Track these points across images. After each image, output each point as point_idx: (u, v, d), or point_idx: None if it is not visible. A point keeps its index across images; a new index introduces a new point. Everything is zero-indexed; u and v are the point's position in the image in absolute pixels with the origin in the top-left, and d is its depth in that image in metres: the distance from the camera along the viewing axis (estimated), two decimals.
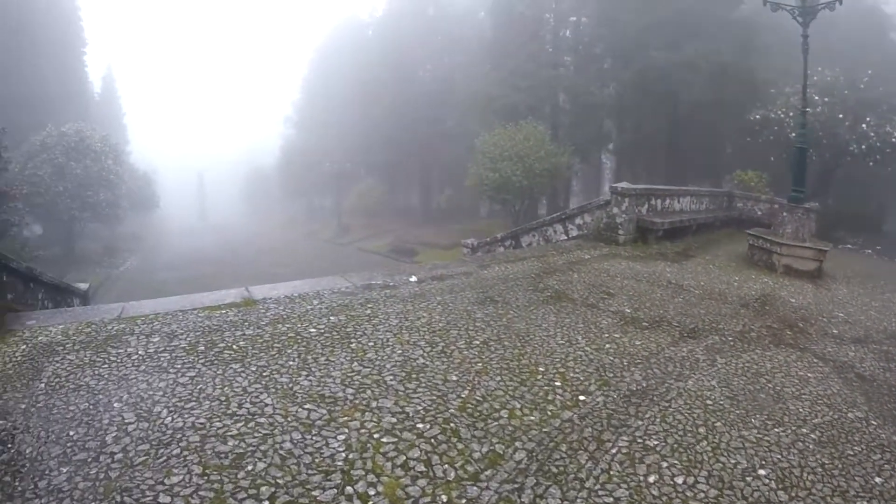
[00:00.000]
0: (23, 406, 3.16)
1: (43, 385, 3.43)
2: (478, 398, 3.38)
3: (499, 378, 3.68)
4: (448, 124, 34.84)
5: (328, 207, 48.64)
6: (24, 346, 4.04)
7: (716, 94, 20.84)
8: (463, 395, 3.40)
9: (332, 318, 4.71)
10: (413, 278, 6.07)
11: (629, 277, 6.83)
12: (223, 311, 4.81)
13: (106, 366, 3.72)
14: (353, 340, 4.25)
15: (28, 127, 25.14)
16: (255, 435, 2.85)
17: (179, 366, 3.73)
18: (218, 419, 3.00)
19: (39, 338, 4.20)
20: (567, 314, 5.16)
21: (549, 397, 3.47)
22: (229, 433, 2.86)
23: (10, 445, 2.76)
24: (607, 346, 4.44)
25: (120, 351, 3.95)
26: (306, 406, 3.18)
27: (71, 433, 2.85)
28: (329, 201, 49.27)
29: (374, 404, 3.22)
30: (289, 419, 3.02)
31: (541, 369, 3.88)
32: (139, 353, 3.93)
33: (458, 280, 6.25)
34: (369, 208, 38.11)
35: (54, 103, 29.90)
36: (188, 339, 4.18)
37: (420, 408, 3.22)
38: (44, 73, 29.86)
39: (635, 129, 28.33)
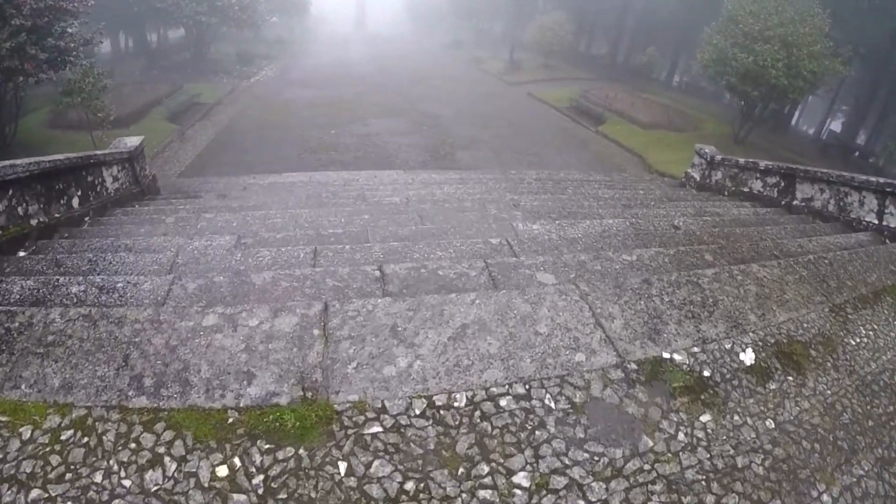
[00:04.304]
0: None
1: None
2: None
3: None
4: None
5: (497, 35, 42.72)
6: None
7: None
8: None
9: None
10: (748, 356, 2.11)
11: None
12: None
13: None
14: None
15: None
16: None
17: None
18: None
19: None
20: None
21: None
22: None
23: None
24: None
25: None
26: None
27: None
28: (499, 27, 43.04)
29: None
30: None
31: None
32: None
33: (837, 383, 2.25)
34: (548, 47, 31.47)
35: None
36: None
37: None
38: None
39: None
